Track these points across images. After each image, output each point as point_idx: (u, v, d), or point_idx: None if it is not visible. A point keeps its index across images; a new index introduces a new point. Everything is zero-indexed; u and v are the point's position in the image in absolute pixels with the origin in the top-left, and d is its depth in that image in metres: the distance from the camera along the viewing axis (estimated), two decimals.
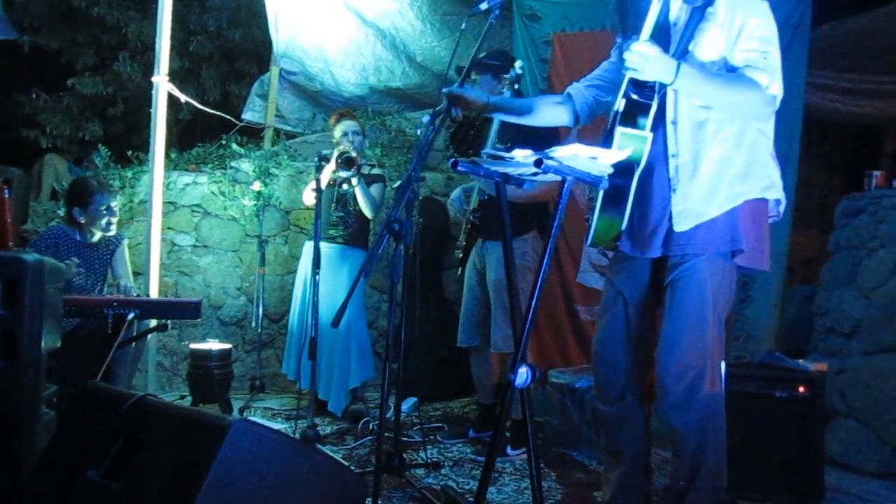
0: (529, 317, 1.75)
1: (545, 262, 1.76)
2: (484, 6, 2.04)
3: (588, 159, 1.67)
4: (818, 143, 6.51)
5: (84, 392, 2.00)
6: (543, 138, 3.11)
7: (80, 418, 1.95)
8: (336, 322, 2.52)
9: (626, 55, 1.88)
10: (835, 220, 3.73)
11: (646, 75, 1.89)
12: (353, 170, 3.93)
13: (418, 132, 3.70)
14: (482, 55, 3.62)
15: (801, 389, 2.77)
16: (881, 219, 3.45)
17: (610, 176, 1.81)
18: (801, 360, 2.99)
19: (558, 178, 1.74)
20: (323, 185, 3.84)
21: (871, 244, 3.45)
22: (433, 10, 5.25)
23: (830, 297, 3.62)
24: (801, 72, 3.98)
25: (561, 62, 4.22)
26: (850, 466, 3.27)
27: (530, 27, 4.42)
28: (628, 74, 1.93)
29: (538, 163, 1.62)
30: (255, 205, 5.16)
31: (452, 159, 1.79)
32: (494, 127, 3.36)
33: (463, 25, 2.43)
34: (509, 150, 3.00)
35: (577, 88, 2.31)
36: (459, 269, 3.68)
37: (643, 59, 1.86)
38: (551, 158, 1.62)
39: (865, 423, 3.29)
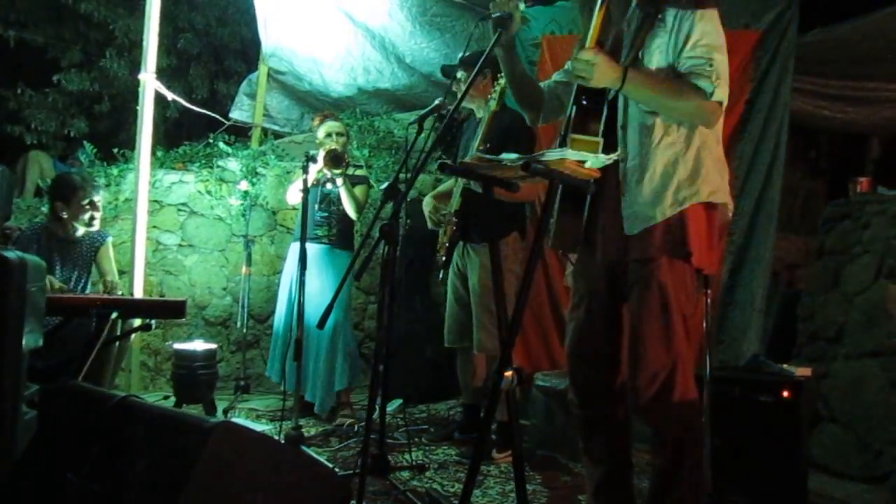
0: (516, 320, 1.75)
1: (531, 264, 1.76)
2: (496, 15, 2.04)
3: (575, 163, 1.68)
4: (804, 148, 6.56)
5: (66, 392, 1.98)
6: (522, 141, 3.16)
7: (62, 419, 1.93)
8: (322, 323, 2.50)
9: (572, 63, 1.92)
10: (819, 225, 3.76)
11: (593, 82, 1.91)
12: (341, 167, 3.92)
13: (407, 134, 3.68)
14: (466, 54, 3.61)
15: (786, 394, 2.79)
16: (865, 224, 3.48)
17: None
18: (785, 365, 3.01)
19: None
20: (308, 185, 3.83)
21: (855, 250, 3.48)
22: (422, 12, 5.24)
23: (814, 301, 3.65)
24: (788, 77, 4.02)
25: (549, 65, 4.23)
26: (833, 470, 3.29)
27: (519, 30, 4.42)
28: (576, 82, 1.97)
29: (526, 166, 1.62)
30: (242, 204, 5.14)
31: (440, 161, 1.79)
32: (480, 129, 3.35)
33: (473, 29, 2.38)
34: (489, 149, 3.02)
35: (549, 88, 2.34)
36: (441, 273, 3.67)
37: (589, 66, 1.88)
38: (539, 162, 1.62)
39: (849, 427, 3.32)
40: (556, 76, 2.35)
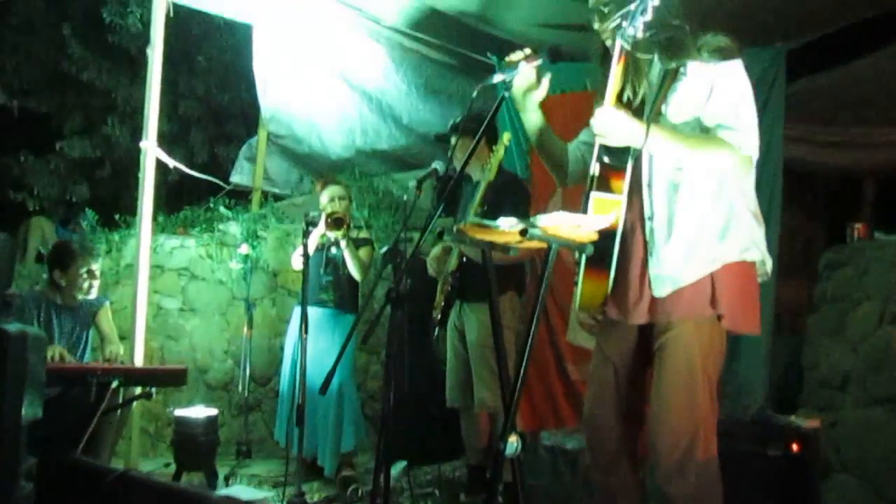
0: (518, 380, 1.72)
1: (534, 323, 1.75)
2: (497, 79, 2.06)
3: (572, 227, 1.68)
4: (799, 192, 6.61)
5: (65, 466, 1.96)
6: (517, 201, 3.21)
7: (61, 493, 1.90)
8: (324, 389, 2.48)
9: (592, 121, 1.87)
10: (819, 272, 3.76)
11: (613, 140, 1.87)
12: (342, 229, 3.96)
13: (405, 198, 3.71)
14: (464, 118, 3.67)
15: (795, 447, 2.75)
16: (864, 270, 3.48)
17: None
18: (793, 416, 2.97)
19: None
20: (311, 250, 3.85)
21: (856, 296, 3.47)
22: (418, 74, 5.34)
23: (819, 349, 3.63)
24: (779, 125, 4.06)
25: None
26: None
27: None
28: (597, 140, 1.92)
29: (523, 232, 1.62)
30: (243, 267, 5.15)
31: (440, 229, 1.80)
32: (477, 195, 3.36)
33: (474, 94, 2.35)
34: (486, 211, 3.05)
35: (573, 149, 2.27)
36: (437, 330, 3.67)
37: (609, 124, 1.85)
38: (535, 227, 1.63)
39: (861, 477, 3.25)
40: (581, 136, 2.29)
